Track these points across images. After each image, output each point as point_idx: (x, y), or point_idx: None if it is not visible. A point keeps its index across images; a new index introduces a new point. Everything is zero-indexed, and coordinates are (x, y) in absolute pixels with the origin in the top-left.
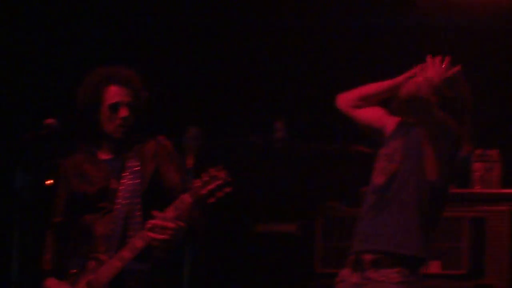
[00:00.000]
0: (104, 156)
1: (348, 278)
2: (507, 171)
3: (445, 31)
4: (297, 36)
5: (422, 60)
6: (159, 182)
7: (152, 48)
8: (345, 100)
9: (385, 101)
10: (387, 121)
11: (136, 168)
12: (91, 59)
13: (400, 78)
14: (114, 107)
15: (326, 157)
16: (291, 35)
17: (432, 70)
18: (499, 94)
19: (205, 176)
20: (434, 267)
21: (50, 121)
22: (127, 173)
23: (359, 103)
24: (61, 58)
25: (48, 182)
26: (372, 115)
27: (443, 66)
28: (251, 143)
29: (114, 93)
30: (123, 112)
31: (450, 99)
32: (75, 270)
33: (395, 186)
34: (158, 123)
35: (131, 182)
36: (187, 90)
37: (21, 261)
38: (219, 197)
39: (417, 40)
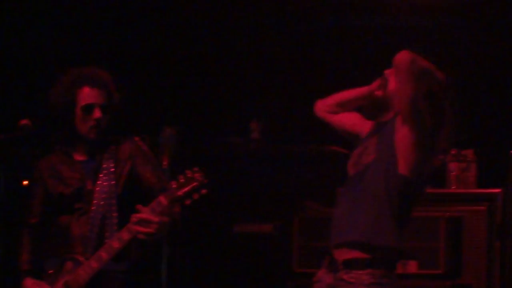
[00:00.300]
0: (79, 157)
1: (323, 279)
2: (482, 171)
3: (415, 32)
4: (274, 38)
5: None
6: (135, 183)
7: (129, 48)
8: (322, 106)
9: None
10: (363, 126)
11: (112, 169)
12: (65, 60)
13: (374, 84)
14: (88, 109)
15: (302, 157)
16: (268, 37)
17: None
18: (473, 94)
19: (181, 178)
20: (411, 267)
21: (24, 122)
22: (103, 175)
23: (336, 109)
24: (35, 59)
25: (25, 182)
26: (348, 121)
27: None
28: (227, 144)
29: (87, 95)
30: (97, 114)
31: (436, 95)
32: (52, 271)
33: (367, 178)
34: (134, 123)
35: (106, 183)
36: (164, 90)
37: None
38: (195, 199)
39: (387, 41)
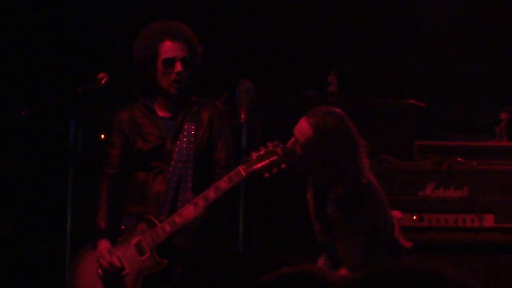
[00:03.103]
0: (161, 113)
1: None
2: None
3: None
4: None
5: None
6: (210, 150)
7: (205, 2)
8: None
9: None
10: None
11: (192, 132)
12: (145, 13)
13: None
14: (169, 62)
15: (379, 111)
16: None
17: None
18: None
19: (261, 149)
20: (487, 220)
21: (102, 75)
22: (183, 136)
23: None
24: (117, 11)
25: (102, 136)
26: None
27: None
28: (304, 97)
29: (168, 48)
30: (178, 67)
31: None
32: (123, 226)
33: None
34: (212, 76)
35: (185, 145)
36: (242, 44)
37: (75, 214)
38: (273, 173)
39: None
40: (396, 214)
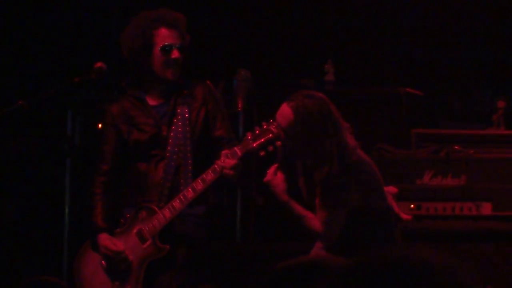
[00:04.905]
0: (152, 101)
1: None
2: None
3: None
4: None
5: None
6: (208, 129)
7: None
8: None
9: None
10: None
11: (186, 115)
12: (143, 2)
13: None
14: (166, 49)
15: (376, 99)
16: None
17: None
18: None
19: (256, 129)
20: (485, 208)
21: (99, 65)
22: (177, 120)
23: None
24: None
25: (100, 125)
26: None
27: None
28: (301, 86)
29: (165, 35)
30: (175, 53)
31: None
32: (128, 215)
33: None
34: (208, 65)
35: (181, 129)
36: (238, 32)
37: (73, 205)
38: (270, 151)
39: None
40: (391, 189)
